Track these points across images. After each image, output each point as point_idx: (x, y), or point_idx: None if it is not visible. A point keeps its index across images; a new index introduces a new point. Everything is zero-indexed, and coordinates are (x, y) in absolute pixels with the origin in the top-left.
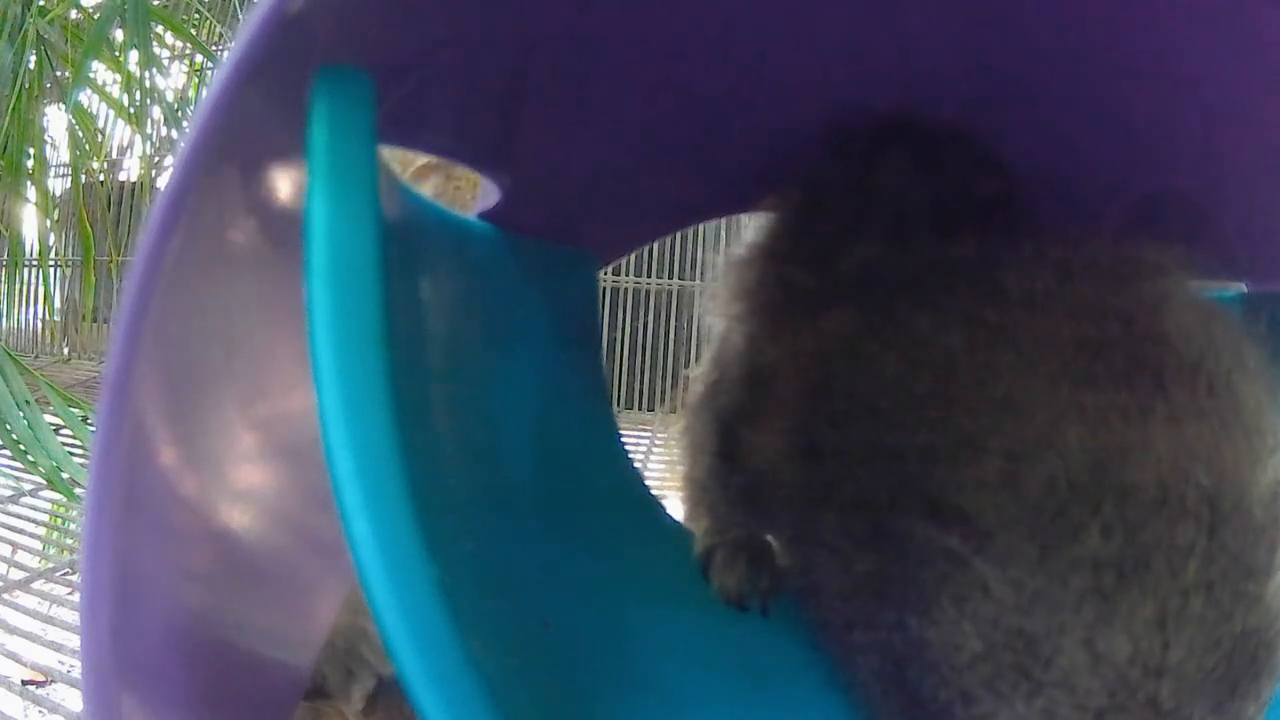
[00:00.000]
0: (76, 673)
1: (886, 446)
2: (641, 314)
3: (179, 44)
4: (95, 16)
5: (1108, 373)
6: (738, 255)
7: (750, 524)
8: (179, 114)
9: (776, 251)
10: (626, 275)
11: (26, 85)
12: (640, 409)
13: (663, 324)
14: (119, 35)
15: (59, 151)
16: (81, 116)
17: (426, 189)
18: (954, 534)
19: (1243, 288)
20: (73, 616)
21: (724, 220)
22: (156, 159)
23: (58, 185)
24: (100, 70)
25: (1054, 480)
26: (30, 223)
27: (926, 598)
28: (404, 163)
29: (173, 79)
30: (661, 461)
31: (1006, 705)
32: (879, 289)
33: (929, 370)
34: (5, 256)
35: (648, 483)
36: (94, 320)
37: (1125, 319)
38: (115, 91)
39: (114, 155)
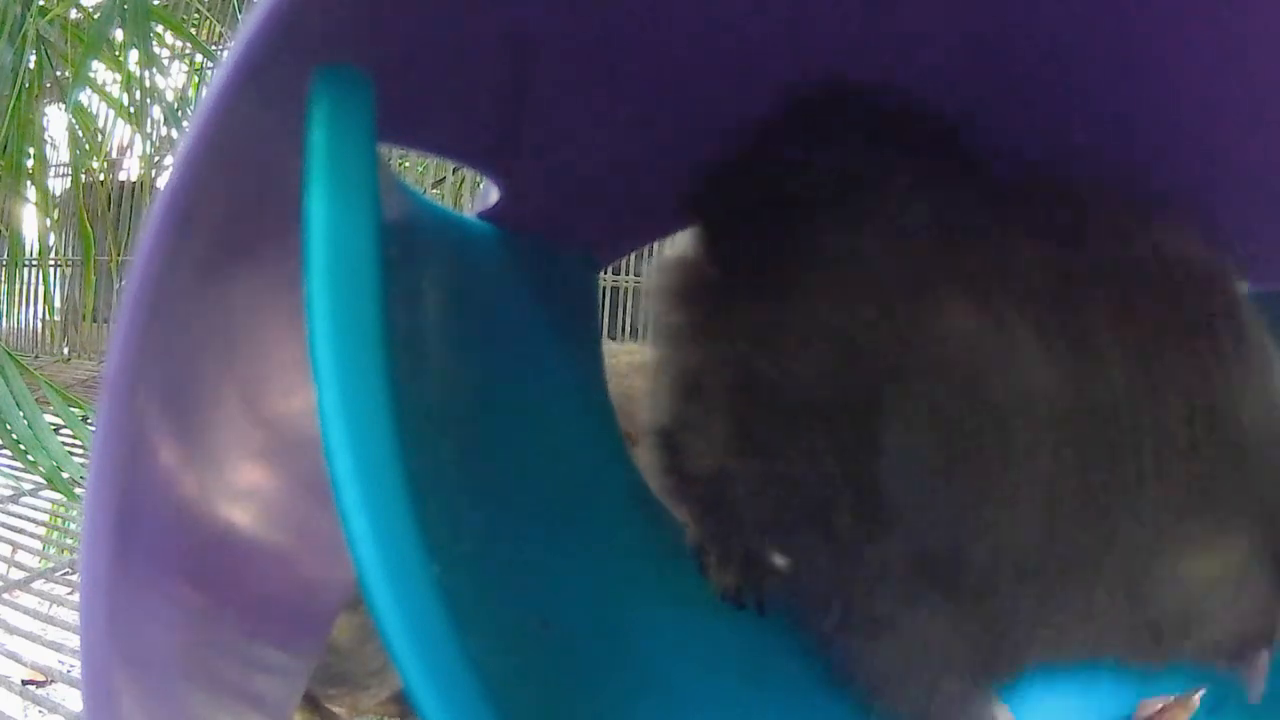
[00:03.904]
0: (76, 673)
1: (829, 439)
2: (642, 313)
3: (179, 44)
4: (95, 16)
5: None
6: (667, 255)
7: (717, 530)
8: (179, 114)
9: (694, 248)
10: (626, 275)
11: (26, 85)
12: None
13: None
14: (119, 35)
15: (59, 151)
16: (81, 116)
17: None
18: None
19: (1243, 288)
20: (73, 616)
21: None
22: (156, 159)
23: (58, 185)
24: (100, 70)
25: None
26: (30, 222)
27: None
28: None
29: (173, 79)
30: None
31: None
32: (781, 274)
33: (847, 342)
34: (5, 256)
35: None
36: (94, 320)
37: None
38: (115, 91)
39: (114, 155)
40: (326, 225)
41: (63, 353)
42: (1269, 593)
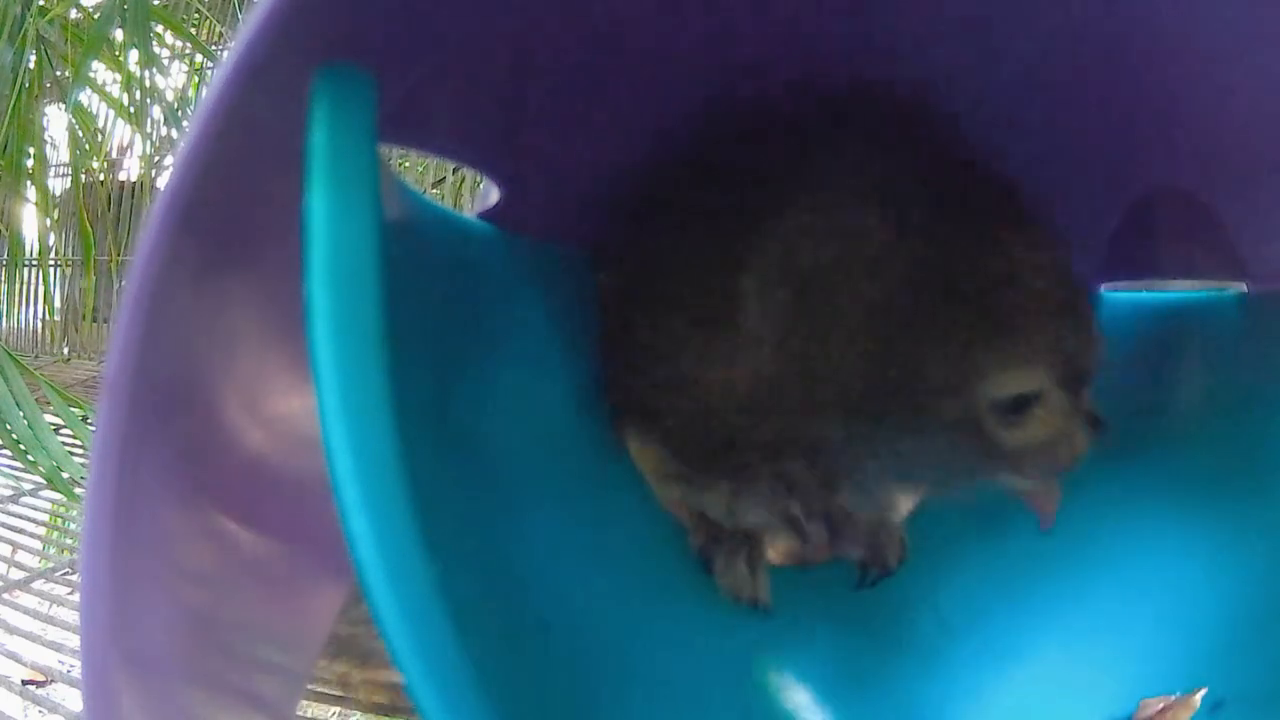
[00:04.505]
0: (76, 673)
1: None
2: None
3: (179, 44)
4: (95, 16)
5: None
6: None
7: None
8: (179, 114)
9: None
10: None
11: (26, 85)
12: None
13: None
14: (119, 35)
15: (59, 151)
16: (81, 116)
17: None
18: None
19: (1243, 288)
20: (73, 616)
21: None
22: (156, 159)
23: (58, 185)
24: (100, 70)
25: None
26: (30, 222)
27: None
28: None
29: (173, 79)
30: None
31: None
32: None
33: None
34: (5, 256)
35: None
36: (94, 320)
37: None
38: (115, 91)
39: (114, 155)
40: (327, 224)
41: (63, 353)
42: (1064, 418)
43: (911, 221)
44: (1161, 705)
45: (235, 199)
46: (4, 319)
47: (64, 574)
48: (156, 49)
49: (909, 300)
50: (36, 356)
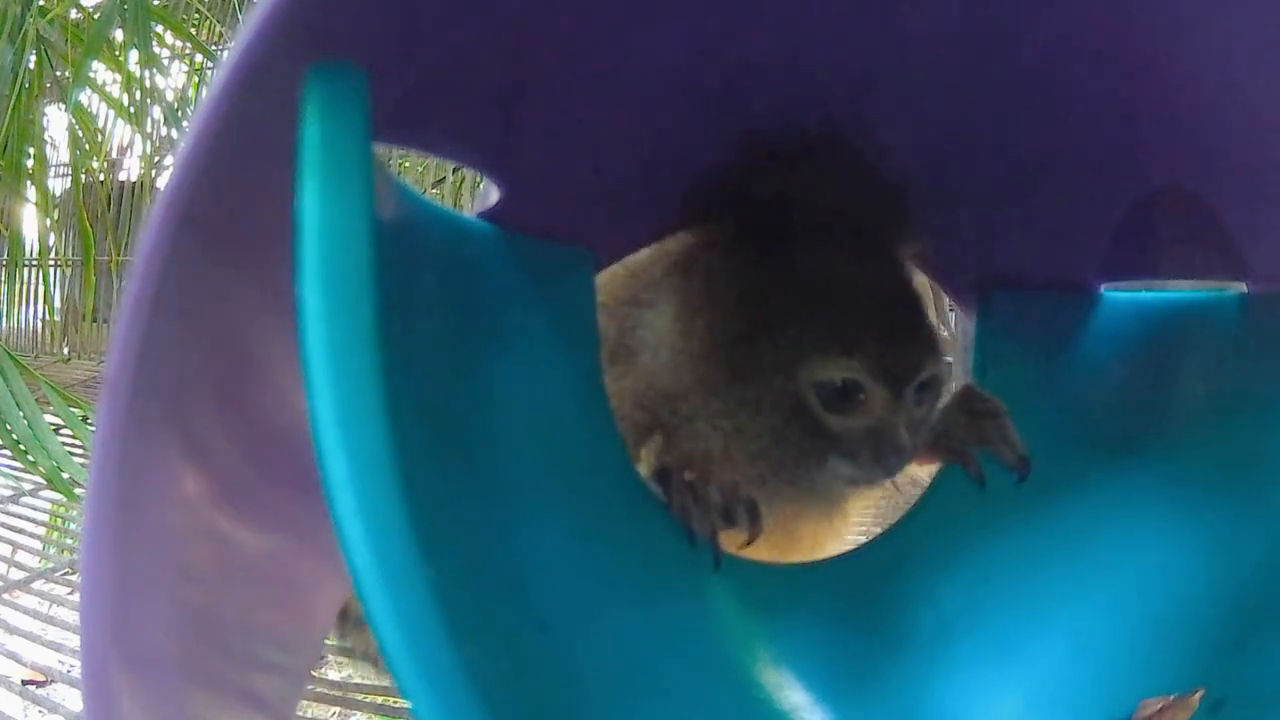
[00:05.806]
0: (76, 673)
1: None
2: None
3: (179, 44)
4: (95, 16)
5: None
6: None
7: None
8: (179, 114)
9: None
10: None
11: (26, 85)
12: None
13: None
14: (119, 35)
15: (59, 151)
16: (81, 116)
17: None
18: None
19: (1243, 288)
20: (73, 616)
21: None
22: (156, 159)
23: (58, 185)
24: (100, 70)
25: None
26: (30, 223)
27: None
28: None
29: (173, 79)
30: None
31: None
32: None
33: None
34: (5, 256)
35: None
36: (94, 320)
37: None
38: (115, 91)
39: (114, 155)
40: (318, 223)
41: (63, 353)
42: (884, 410)
43: (770, 249)
44: (1161, 705)
45: (235, 198)
46: (4, 319)
47: (64, 574)
48: (156, 49)
49: (757, 308)
50: (36, 356)
